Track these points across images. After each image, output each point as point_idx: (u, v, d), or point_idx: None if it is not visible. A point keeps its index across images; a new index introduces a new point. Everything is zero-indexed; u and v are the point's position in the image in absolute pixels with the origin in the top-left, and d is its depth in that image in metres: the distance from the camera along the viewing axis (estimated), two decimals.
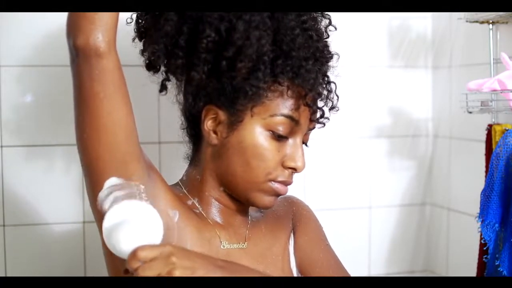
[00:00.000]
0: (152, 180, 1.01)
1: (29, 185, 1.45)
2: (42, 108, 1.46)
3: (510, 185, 1.27)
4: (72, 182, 1.48)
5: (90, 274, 1.50)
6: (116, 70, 0.94)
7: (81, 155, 0.98)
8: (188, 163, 1.14)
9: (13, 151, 1.44)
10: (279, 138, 1.03)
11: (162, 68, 1.07)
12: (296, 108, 1.03)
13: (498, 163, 1.28)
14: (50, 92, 1.46)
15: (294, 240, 1.16)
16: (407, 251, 1.77)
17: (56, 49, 1.41)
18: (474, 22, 1.43)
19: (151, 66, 1.07)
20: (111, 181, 0.96)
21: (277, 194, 1.07)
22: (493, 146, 1.37)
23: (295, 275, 1.14)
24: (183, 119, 1.12)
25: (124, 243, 0.84)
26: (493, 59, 1.44)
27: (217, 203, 1.09)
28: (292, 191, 1.11)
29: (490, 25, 1.44)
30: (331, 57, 1.10)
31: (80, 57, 0.92)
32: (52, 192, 1.47)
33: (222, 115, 1.04)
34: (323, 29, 1.10)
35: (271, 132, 1.03)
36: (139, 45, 1.09)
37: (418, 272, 1.78)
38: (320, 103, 1.07)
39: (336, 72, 1.11)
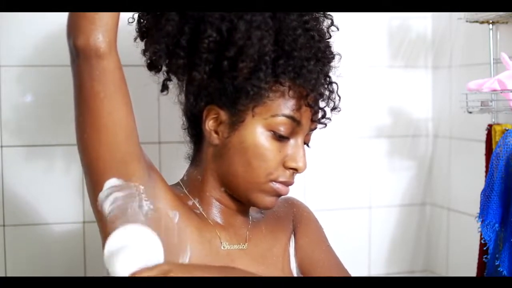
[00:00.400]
0: (153, 180, 1.01)
1: (29, 185, 1.45)
2: (42, 108, 1.46)
3: (510, 185, 1.27)
4: (72, 182, 1.48)
5: (90, 274, 1.50)
6: (116, 71, 0.94)
7: (81, 155, 0.98)
8: (189, 163, 1.14)
9: (13, 151, 1.44)
10: (280, 138, 1.03)
11: (164, 68, 1.07)
12: (298, 109, 1.03)
13: (498, 163, 1.28)
14: (50, 92, 1.46)
15: (295, 241, 1.16)
16: (407, 251, 1.77)
17: (56, 49, 1.41)
18: (474, 22, 1.43)
19: (153, 66, 1.06)
20: (111, 182, 0.96)
21: (278, 195, 1.06)
22: (493, 146, 1.37)
23: (295, 276, 1.13)
24: (184, 119, 1.12)
25: (122, 269, 0.84)
26: (493, 59, 1.44)
27: (218, 203, 1.09)
28: (292, 191, 1.11)
29: (490, 25, 1.44)
30: (333, 58, 1.10)
31: (81, 57, 0.92)
32: (52, 192, 1.47)
33: (223, 115, 1.04)
34: (325, 29, 1.10)
35: (272, 132, 1.03)
36: (140, 45, 1.09)
37: (418, 272, 1.78)
38: (321, 104, 1.07)
39: (338, 72, 1.11)
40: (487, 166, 1.38)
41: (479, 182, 1.41)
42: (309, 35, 1.04)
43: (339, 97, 1.10)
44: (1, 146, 1.44)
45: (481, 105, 1.36)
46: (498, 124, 1.41)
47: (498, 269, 1.25)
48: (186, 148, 1.14)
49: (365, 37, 1.70)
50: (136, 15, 1.09)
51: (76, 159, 1.01)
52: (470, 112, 1.38)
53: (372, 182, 1.73)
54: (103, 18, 0.91)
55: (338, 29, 1.12)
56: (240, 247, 1.08)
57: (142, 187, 0.97)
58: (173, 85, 1.08)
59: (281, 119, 1.02)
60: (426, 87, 1.76)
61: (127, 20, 1.09)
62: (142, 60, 1.08)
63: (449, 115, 1.69)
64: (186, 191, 1.09)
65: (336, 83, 1.10)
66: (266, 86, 1.01)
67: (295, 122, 1.03)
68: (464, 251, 1.62)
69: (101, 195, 0.96)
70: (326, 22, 1.10)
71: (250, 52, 0.98)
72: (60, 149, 1.46)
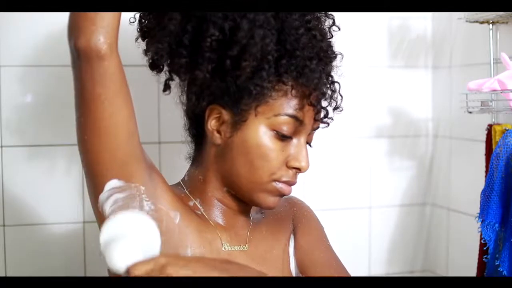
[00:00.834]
0: (153, 181, 1.01)
1: (29, 185, 1.45)
2: (43, 108, 1.46)
3: (510, 185, 1.27)
4: (73, 182, 1.48)
5: (90, 274, 1.50)
6: (118, 72, 0.94)
7: (82, 156, 0.98)
8: (189, 164, 1.13)
9: (13, 151, 1.44)
10: (283, 138, 1.03)
11: (166, 68, 1.07)
12: (300, 108, 1.03)
13: (498, 163, 1.28)
14: (51, 92, 1.45)
15: (295, 240, 1.16)
16: (407, 251, 1.78)
17: (57, 49, 1.41)
18: (474, 22, 1.43)
19: (155, 66, 1.06)
20: (112, 183, 0.96)
21: (281, 194, 1.06)
22: (493, 146, 1.37)
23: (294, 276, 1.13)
24: (185, 119, 1.11)
25: (118, 260, 0.82)
26: (493, 59, 1.45)
27: (219, 204, 1.09)
28: (292, 191, 1.11)
29: (490, 25, 1.45)
30: (335, 57, 1.09)
31: (81, 59, 0.92)
32: (52, 192, 1.47)
33: (226, 115, 1.03)
34: (327, 29, 1.10)
35: (275, 131, 1.02)
36: (141, 45, 1.08)
37: (418, 272, 1.78)
38: (324, 103, 1.07)
39: (340, 72, 1.11)
40: (487, 166, 1.39)
41: (479, 182, 1.41)
42: (311, 34, 1.04)
43: (341, 97, 1.10)
44: (1, 146, 1.44)
45: (481, 105, 1.37)
46: (498, 124, 1.42)
47: (498, 269, 1.25)
48: (186, 148, 1.14)
49: (365, 37, 1.70)
50: (137, 15, 1.09)
51: (77, 159, 1.01)
52: (470, 112, 1.38)
53: (372, 182, 1.73)
54: (104, 19, 0.91)
55: (339, 28, 1.12)
56: (240, 249, 1.08)
57: (142, 188, 0.97)
58: (174, 85, 1.08)
59: (284, 118, 1.02)
60: (426, 87, 1.76)
61: (129, 20, 1.09)
62: (142, 60, 1.08)
63: (449, 115, 1.69)
64: (187, 192, 1.09)
65: (338, 83, 1.10)
66: (269, 85, 1.00)
67: (298, 121, 1.03)
68: (464, 251, 1.62)
69: (102, 196, 0.95)
70: (328, 22, 1.10)
71: (253, 51, 0.97)
72: (60, 149, 1.46)
